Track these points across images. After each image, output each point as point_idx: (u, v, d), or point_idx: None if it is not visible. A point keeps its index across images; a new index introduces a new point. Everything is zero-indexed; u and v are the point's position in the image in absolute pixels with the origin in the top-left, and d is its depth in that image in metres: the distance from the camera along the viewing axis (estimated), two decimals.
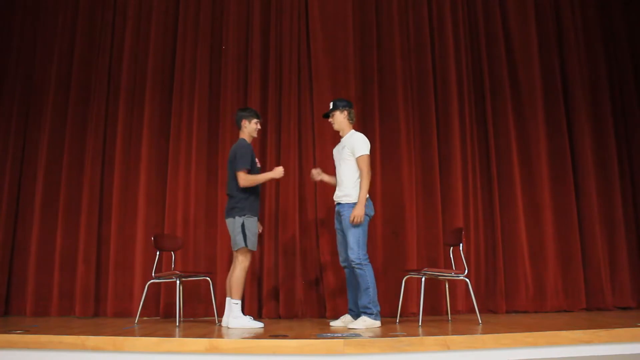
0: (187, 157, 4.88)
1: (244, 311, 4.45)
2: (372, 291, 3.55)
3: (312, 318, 4.43)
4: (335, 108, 3.82)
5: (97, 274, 4.76)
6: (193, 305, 4.49)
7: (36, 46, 5.29)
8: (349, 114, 3.81)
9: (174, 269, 4.30)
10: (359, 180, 3.65)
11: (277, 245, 4.62)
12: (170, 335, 3.05)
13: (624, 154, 5.18)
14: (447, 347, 2.79)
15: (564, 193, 4.97)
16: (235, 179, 3.72)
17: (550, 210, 4.93)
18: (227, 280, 3.73)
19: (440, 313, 4.46)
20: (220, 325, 3.75)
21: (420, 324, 3.59)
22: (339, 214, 3.74)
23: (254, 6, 5.09)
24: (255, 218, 3.74)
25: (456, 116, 4.99)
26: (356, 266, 3.54)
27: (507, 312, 4.66)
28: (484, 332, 3.06)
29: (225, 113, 4.90)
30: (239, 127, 3.88)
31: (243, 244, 3.63)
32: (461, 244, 3.81)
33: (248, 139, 3.85)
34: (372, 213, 3.74)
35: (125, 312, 4.59)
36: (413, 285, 4.43)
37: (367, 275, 3.54)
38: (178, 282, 3.88)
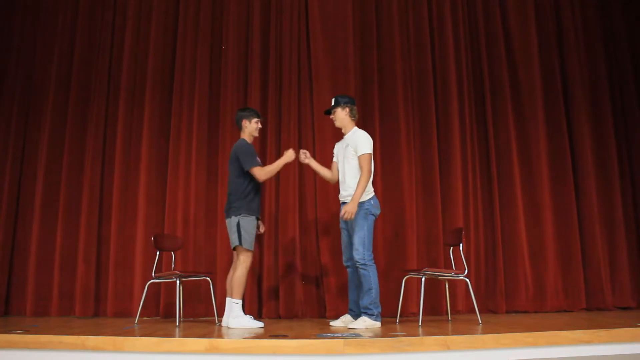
0: (187, 157, 4.88)
1: (245, 311, 4.47)
2: (375, 292, 3.54)
3: (312, 318, 4.43)
4: (337, 104, 3.76)
5: (97, 274, 4.76)
6: (193, 305, 4.49)
7: (36, 46, 5.29)
8: (350, 110, 3.75)
9: (174, 269, 4.30)
10: None
11: (277, 245, 4.62)
12: (170, 335, 3.05)
13: (624, 154, 5.18)
14: (447, 347, 2.79)
15: (564, 193, 4.97)
16: (234, 178, 3.72)
17: (550, 210, 4.93)
18: (228, 280, 3.73)
19: (440, 313, 4.46)
20: (220, 325, 3.75)
21: (420, 324, 3.59)
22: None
23: (254, 6, 5.09)
24: (253, 217, 3.71)
25: (456, 116, 4.99)
26: (360, 266, 3.52)
27: (507, 312, 4.66)
28: (484, 332, 3.06)
29: (225, 113, 4.90)
30: (239, 128, 3.87)
31: (237, 243, 3.63)
32: (461, 244, 3.81)
33: (249, 139, 3.85)
34: (379, 212, 3.69)
35: (125, 312, 4.59)
36: (413, 285, 4.43)
37: (370, 276, 3.52)
38: (178, 282, 3.88)
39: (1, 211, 4.89)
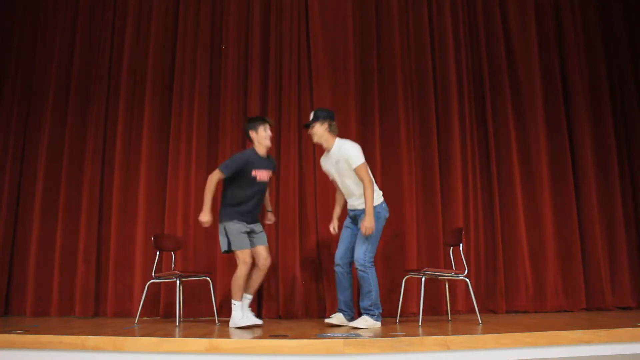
0: (187, 157, 4.88)
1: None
2: (375, 294, 3.54)
3: (312, 318, 4.43)
4: (315, 119, 3.63)
5: (97, 274, 4.76)
6: (193, 305, 4.48)
7: (36, 46, 5.28)
8: (329, 125, 3.62)
9: (174, 269, 4.30)
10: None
11: (277, 245, 4.62)
12: (170, 335, 3.05)
13: (624, 154, 5.17)
14: (447, 347, 2.79)
15: (564, 193, 4.96)
16: (224, 184, 3.74)
17: (550, 210, 4.92)
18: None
19: (440, 313, 4.46)
20: (219, 325, 3.76)
21: (420, 324, 3.59)
22: (355, 217, 3.70)
23: (254, 6, 5.09)
24: (238, 220, 3.68)
25: (456, 116, 4.99)
26: (360, 268, 3.51)
27: (507, 312, 4.66)
28: (484, 332, 3.06)
29: (225, 113, 4.90)
30: (250, 140, 3.85)
31: (226, 248, 3.67)
32: (461, 244, 3.81)
33: (260, 149, 3.77)
34: (388, 215, 3.69)
35: (125, 312, 4.58)
36: (413, 285, 4.43)
37: (370, 279, 3.51)
38: (178, 282, 3.88)
39: (1, 211, 4.88)
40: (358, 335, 2.97)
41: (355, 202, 3.67)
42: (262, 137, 3.76)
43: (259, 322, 3.68)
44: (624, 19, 5.45)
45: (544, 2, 5.34)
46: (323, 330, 3.34)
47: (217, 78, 5.04)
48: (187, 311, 4.40)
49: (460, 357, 2.80)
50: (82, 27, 5.24)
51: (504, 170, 4.99)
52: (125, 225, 4.81)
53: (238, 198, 3.71)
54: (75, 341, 2.88)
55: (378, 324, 3.51)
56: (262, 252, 3.79)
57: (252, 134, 3.78)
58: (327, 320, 3.69)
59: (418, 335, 3.00)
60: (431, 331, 3.17)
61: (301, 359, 2.73)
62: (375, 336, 2.93)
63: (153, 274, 4.04)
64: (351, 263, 3.68)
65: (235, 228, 3.67)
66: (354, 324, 3.49)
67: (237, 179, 3.70)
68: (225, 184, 3.75)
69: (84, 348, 2.85)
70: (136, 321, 4.02)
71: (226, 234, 3.67)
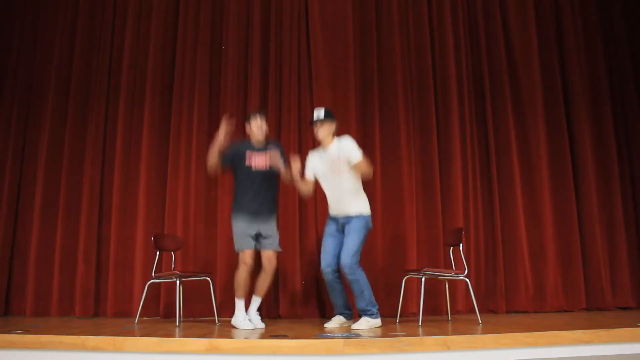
0: (187, 157, 4.88)
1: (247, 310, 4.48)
2: (368, 293, 3.55)
3: (312, 318, 4.43)
4: (328, 117, 3.67)
5: (97, 274, 4.76)
6: (193, 305, 4.48)
7: (36, 46, 5.29)
8: (335, 127, 3.72)
9: (174, 269, 4.30)
10: (359, 190, 3.67)
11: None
12: (170, 335, 3.05)
13: (624, 154, 5.17)
14: (447, 347, 2.79)
15: (564, 193, 4.96)
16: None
17: (550, 210, 4.93)
18: None
19: (440, 313, 4.46)
20: (219, 325, 3.76)
21: (420, 324, 3.59)
22: (344, 226, 3.66)
23: (254, 6, 5.10)
24: (239, 215, 3.72)
25: (456, 116, 4.99)
26: (348, 272, 3.49)
27: (507, 312, 4.66)
28: (484, 332, 3.06)
29: (225, 113, 4.89)
30: None
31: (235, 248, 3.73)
32: (461, 244, 3.81)
33: (255, 141, 3.83)
34: (371, 226, 3.72)
35: (125, 312, 4.58)
36: (413, 285, 4.43)
37: (359, 280, 3.51)
38: (178, 282, 3.88)
39: (1, 211, 4.89)
40: (358, 335, 2.97)
41: (346, 207, 3.64)
42: (252, 130, 3.84)
43: (260, 326, 3.67)
44: (624, 19, 5.45)
45: (544, 2, 5.34)
46: (323, 330, 3.34)
47: (217, 78, 5.04)
48: (187, 311, 4.40)
49: (460, 357, 2.80)
50: (82, 27, 5.24)
51: (504, 170, 4.99)
52: (125, 225, 4.81)
53: (238, 190, 3.79)
54: (75, 341, 2.88)
55: (379, 321, 3.53)
56: (267, 255, 3.76)
57: (247, 129, 3.89)
58: (326, 326, 3.63)
59: (418, 335, 3.00)
60: (431, 331, 3.17)
61: (301, 359, 2.73)
62: (375, 336, 2.93)
63: (153, 274, 4.04)
64: (339, 269, 3.64)
65: (238, 228, 3.70)
66: (356, 326, 3.49)
67: (236, 173, 3.81)
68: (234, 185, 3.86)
69: (84, 348, 2.85)
70: (136, 321, 4.02)
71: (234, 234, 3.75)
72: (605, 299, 4.73)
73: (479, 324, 3.64)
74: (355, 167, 3.58)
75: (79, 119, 5.07)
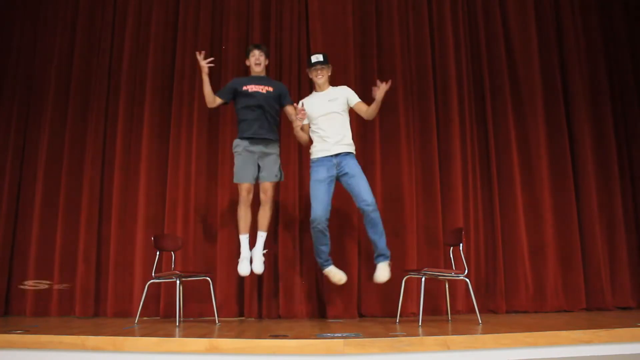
0: (187, 157, 4.87)
1: (244, 310, 4.50)
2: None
3: (312, 318, 4.43)
4: (327, 62, 3.95)
5: (97, 274, 4.76)
6: (193, 305, 4.48)
7: (36, 46, 5.29)
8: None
9: (174, 269, 4.30)
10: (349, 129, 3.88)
11: (277, 245, 4.62)
12: (170, 335, 3.05)
13: (624, 154, 5.17)
14: (447, 347, 2.79)
15: (564, 193, 4.96)
16: None
17: (550, 210, 4.93)
18: None
19: (440, 313, 4.46)
20: (219, 325, 3.76)
21: (420, 324, 3.58)
22: (339, 164, 3.77)
23: (254, 6, 5.10)
24: (239, 142, 3.90)
25: (456, 116, 4.99)
26: (372, 209, 3.65)
27: (507, 312, 4.66)
28: (484, 332, 3.06)
29: (225, 113, 4.89)
30: None
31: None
32: (461, 244, 3.81)
33: (253, 73, 4.04)
34: None
35: (125, 312, 4.58)
36: (413, 285, 4.43)
37: (379, 217, 3.70)
38: (178, 282, 3.88)
39: (1, 211, 4.88)
40: (358, 335, 2.97)
41: (341, 145, 3.79)
42: (251, 64, 4.04)
43: (258, 271, 3.85)
44: (624, 19, 5.45)
45: (544, 2, 5.34)
46: (323, 330, 3.34)
47: (217, 78, 5.02)
48: (187, 311, 4.40)
49: (460, 357, 2.80)
50: (82, 27, 5.24)
51: (504, 170, 4.99)
52: (125, 225, 4.81)
53: (240, 117, 3.96)
54: (75, 341, 2.88)
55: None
56: (263, 187, 3.95)
57: (247, 62, 4.07)
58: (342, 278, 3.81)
59: (418, 335, 3.00)
60: (431, 331, 3.17)
61: (301, 359, 2.73)
62: (375, 336, 2.93)
63: (153, 274, 4.04)
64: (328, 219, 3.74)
65: (238, 159, 3.90)
66: (381, 277, 3.69)
67: (236, 104, 3.99)
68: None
69: (84, 348, 2.85)
70: (136, 321, 4.01)
71: None
72: (605, 299, 4.73)
73: (479, 324, 3.64)
74: (355, 107, 3.84)
75: (79, 119, 5.07)
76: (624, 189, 5.09)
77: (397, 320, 3.98)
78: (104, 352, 2.84)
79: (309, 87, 4.93)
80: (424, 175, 4.88)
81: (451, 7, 5.21)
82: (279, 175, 4.00)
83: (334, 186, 3.82)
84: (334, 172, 3.78)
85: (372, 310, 4.51)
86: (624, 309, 4.76)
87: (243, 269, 3.80)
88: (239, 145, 3.92)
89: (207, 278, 4.14)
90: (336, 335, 3.02)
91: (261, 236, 3.92)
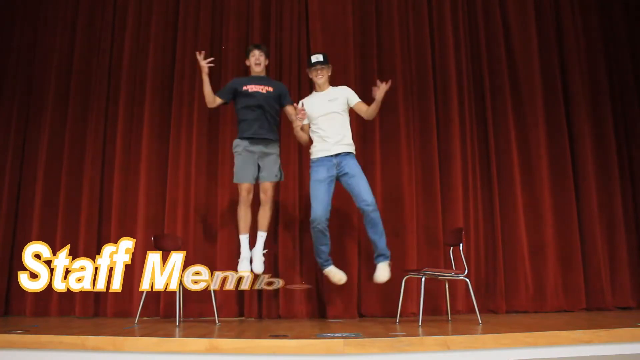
0: (187, 157, 4.87)
1: (244, 310, 4.49)
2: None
3: (312, 318, 4.43)
4: (327, 62, 3.95)
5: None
6: (193, 305, 4.48)
7: (36, 46, 5.29)
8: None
9: None
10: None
11: (277, 244, 4.62)
12: (170, 335, 3.05)
13: (624, 154, 5.17)
14: (447, 347, 2.79)
15: (564, 193, 4.96)
16: None
17: (550, 210, 4.93)
18: None
19: (440, 313, 4.45)
20: (219, 325, 3.75)
21: (420, 324, 3.58)
22: (339, 164, 3.78)
23: (254, 7, 5.10)
24: (239, 142, 3.92)
25: (456, 116, 4.98)
26: (372, 209, 3.65)
27: (507, 312, 4.66)
28: (484, 332, 3.06)
29: (225, 113, 4.89)
30: None
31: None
32: (461, 244, 3.81)
33: (253, 73, 4.06)
34: None
35: (125, 312, 4.58)
36: (413, 285, 4.43)
37: (379, 217, 3.69)
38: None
39: (1, 211, 4.88)
40: (358, 335, 2.97)
41: (341, 145, 3.79)
42: (251, 64, 4.05)
43: (257, 270, 3.82)
44: (624, 19, 5.45)
45: (544, 2, 5.34)
46: (323, 330, 3.34)
47: (217, 78, 5.02)
48: (187, 311, 4.40)
49: (460, 357, 2.80)
50: (82, 27, 5.24)
51: (504, 170, 4.99)
52: (125, 225, 4.80)
53: (240, 117, 3.97)
54: (75, 341, 2.88)
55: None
56: (263, 186, 3.96)
57: (247, 62, 4.08)
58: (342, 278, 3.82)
59: (418, 335, 3.00)
60: (431, 331, 3.17)
61: (301, 359, 2.73)
62: (375, 336, 2.93)
63: None
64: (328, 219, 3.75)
65: (238, 159, 3.89)
66: (381, 277, 3.68)
67: (236, 104, 4.00)
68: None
69: (84, 348, 2.85)
70: (136, 321, 4.01)
71: None
72: (605, 299, 4.73)
73: (479, 324, 3.65)
74: (355, 107, 3.84)
75: (79, 119, 5.07)
76: (624, 189, 5.09)
77: (397, 320, 3.98)
78: (104, 352, 2.84)
79: (309, 87, 4.93)
80: (424, 175, 4.88)
81: (451, 7, 5.21)
82: (279, 175, 4.00)
83: (334, 186, 3.82)
84: (334, 172, 3.79)
85: (372, 310, 4.51)
86: (624, 309, 4.76)
87: (243, 269, 3.80)
88: (239, 145, 3.92)
89: None
90: (336, 335, 3.02)
91: (261, 236, 3.92)
